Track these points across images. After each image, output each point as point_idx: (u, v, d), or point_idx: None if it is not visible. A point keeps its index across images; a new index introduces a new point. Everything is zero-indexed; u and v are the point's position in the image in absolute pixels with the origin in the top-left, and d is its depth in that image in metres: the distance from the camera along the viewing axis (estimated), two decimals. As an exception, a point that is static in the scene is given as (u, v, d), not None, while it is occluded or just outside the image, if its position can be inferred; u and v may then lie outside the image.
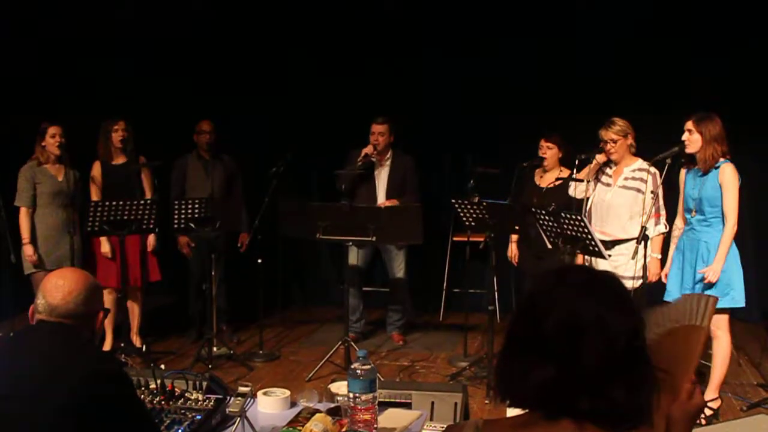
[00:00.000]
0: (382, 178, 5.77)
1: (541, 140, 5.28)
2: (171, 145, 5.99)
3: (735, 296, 4.22)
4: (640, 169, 4.61)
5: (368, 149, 5.63)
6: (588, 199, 4.75)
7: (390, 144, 5.75)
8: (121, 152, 5.52)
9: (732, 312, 4.33)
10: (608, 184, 4.71)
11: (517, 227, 4.95)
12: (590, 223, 4.65)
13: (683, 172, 4.43)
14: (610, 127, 4.61)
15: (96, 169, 5.50)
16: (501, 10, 6.36)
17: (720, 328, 4.24)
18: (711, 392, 4.31)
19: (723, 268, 4.19)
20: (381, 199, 5.73)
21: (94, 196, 5.43)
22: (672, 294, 4.39)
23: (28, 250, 5.15)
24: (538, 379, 1.32)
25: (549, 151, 5.24)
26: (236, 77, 6.78)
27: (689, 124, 4.23)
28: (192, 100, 6.43)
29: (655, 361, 1.37)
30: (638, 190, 4.56)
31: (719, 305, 4.12)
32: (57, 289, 2.13)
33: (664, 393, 1.48)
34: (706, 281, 4.15)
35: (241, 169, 6.05)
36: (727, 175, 4.17)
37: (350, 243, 5.18)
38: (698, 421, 4.06)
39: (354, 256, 5.81)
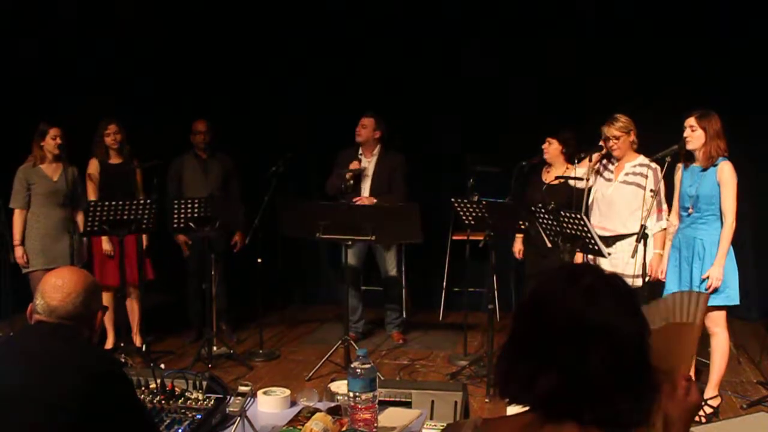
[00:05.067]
0: (368, 172, 5.78)
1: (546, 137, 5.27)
2: (171, 144, 5.98)
3: (730, 294, 4.21)
4: (641, 165, 4.61)
5: (354, 165, 5.65)
6: (589, 194, 4.76)
7: (377, 139, 5.76)
8: (117, 153, 5.53)
9: (731, 310, 4.33)
10: (609, 180, 4.72)
11: (521, 224, 4.93)
12: (591, 218, 4.67)
13: (680, 169, 4.44)
14: (613, 124, 4.62)
15: (93, 167, 5.51)
16: (501, 11, 6.36)
17: (718, 326, 4.24)
18: (711, 390, 4.31)
19: None
20: (365, 194, 5.73)
21: (91, 194, 5.44)
22: (670, 292, 4.39)
23: (17, 252, 5.21)
24: (543, 386, 1.30)
25: (549, 146, 5.21)
26: (236, 77, 6.78)
27: (691, 121, 4.23)
28: (191, 99, 6.43)
29: (656, 360, 1.36)
30: (639, 186, 4.56)
31: (716, 303, 4.16)
32: (55, 290, 2.12)
33: (661, 391, 1.47)
34: (710, 288, 4.14)
35: (237, 167, 6.04)
36: (726, 174, 4.17)
37: (350, 242, 5.18)
38: (698, 419, 4.08)
39: (350, 256, 5.81)
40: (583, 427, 1.30)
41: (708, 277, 4.16)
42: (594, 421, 1.30)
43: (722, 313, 4.24)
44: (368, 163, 5.79)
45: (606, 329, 1.30)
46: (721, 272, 4.15)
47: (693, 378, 1.57)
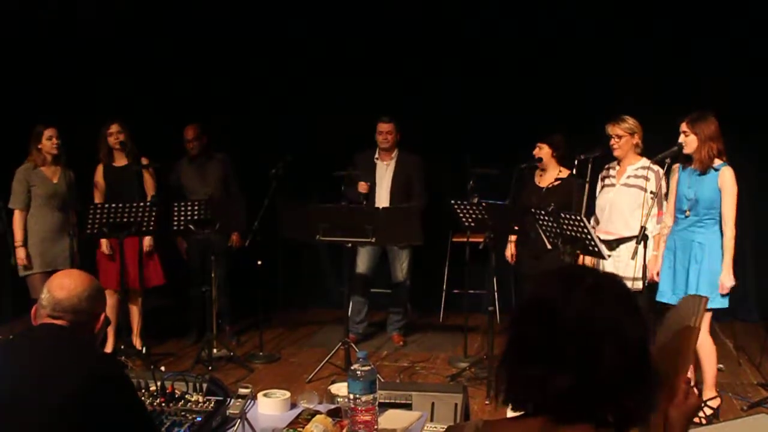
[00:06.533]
0: (386, 177, 5.78)
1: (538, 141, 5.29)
2: (171, 145, 5.98)
3: (725, 297, 4.24)
4: (643, 167, 4.62)
5: (362, 187, 5.63)
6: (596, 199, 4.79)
7: (397, 142, 5.77)
8: (121, 154, 5.52)
9: (730, 312, 4.35)
10: (612, 185, 4.73)
11: (516, 228, 4.95)
12: (598, 224, 4.68)
13: (676, 171, 4.43)
14: (618, 123, 4.62)
15: (98, 174, 5.52)
16: (500, 10, 6.36)
17: (703, 327, 4.25)
18: (709, 391, 4.31)
19: (712, 269, 4.21)
20: (383, 198, 5.72)
21: (97, 200, 5.42)
22: (664, 294, 4.40)
23: (20, 253, 5.15)
24: (556, 388, 1.31)
25: (540, 151, 5.23)
26: (236, 77, 6.78)
27: (684, 126, 4.26)
28: (191, 99, 6.43)
29: (657, 363, 1.37)
30: (641, 188, 4.56)
31: (712, 306, 4.17)
32: (62, 286, 2.17)
33: (662, 393, 1.48)
34: (723, 292, 4.18)
35: (234, 166, 6.02)
36: (727, 180, 4.18)
37: (350, 244, 5.17)
38: (698, 421, 4.08)
39: (362, 264, 5.81)
40: (597, 427, 1.31)
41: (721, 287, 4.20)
42: (606, 420, 1.31)
43: (709, 314, 4.26)
44: (386, 166, 5.79)
45: (612, 328, 1.31)
46: (731, 278, 4.19)
47: (692, 380, 1.58)
